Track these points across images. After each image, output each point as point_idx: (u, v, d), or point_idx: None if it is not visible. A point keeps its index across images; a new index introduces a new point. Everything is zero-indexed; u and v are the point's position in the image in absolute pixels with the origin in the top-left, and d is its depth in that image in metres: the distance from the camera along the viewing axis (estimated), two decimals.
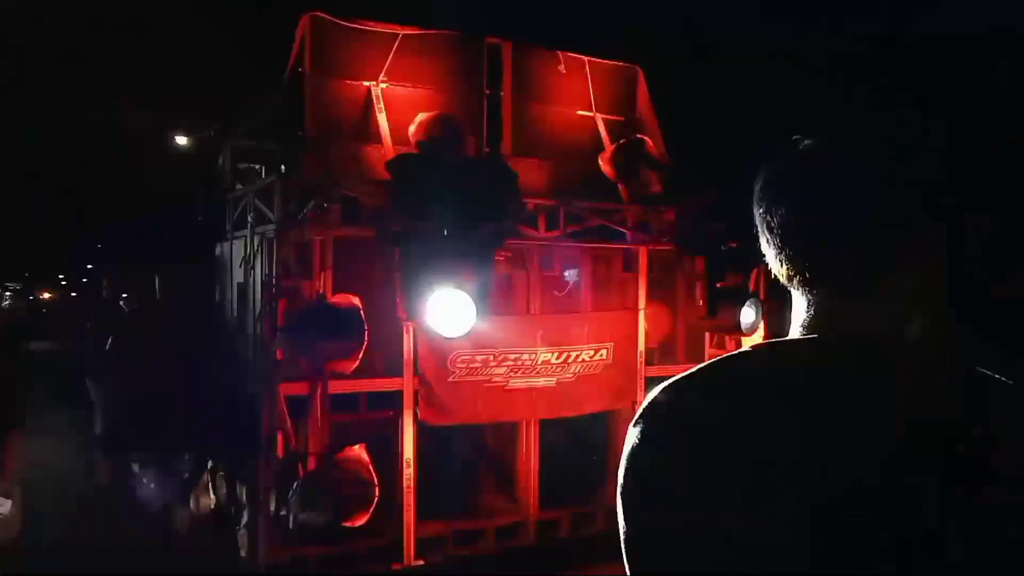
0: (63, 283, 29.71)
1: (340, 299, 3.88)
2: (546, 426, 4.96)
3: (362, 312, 3.83)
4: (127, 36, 13.25)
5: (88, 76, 13.88)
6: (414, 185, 3.75)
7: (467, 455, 5.15)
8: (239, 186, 4.82)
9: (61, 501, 6.31)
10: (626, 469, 0.83)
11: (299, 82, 4.64)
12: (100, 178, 17.38)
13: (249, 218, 4.36)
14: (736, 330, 4.68)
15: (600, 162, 5.26)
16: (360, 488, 3.77)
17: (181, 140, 15.22)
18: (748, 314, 4.65)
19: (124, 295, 7.28)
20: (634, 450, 0.83)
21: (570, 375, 4.90)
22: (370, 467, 3.91)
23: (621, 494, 0.83)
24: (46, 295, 28.55)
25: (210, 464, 5.13)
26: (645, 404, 0.86)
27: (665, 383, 0.86)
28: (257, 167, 5.00)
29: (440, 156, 3.98)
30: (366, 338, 3.81)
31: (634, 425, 0.85)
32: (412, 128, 4.54)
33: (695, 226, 4.69)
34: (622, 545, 0.82)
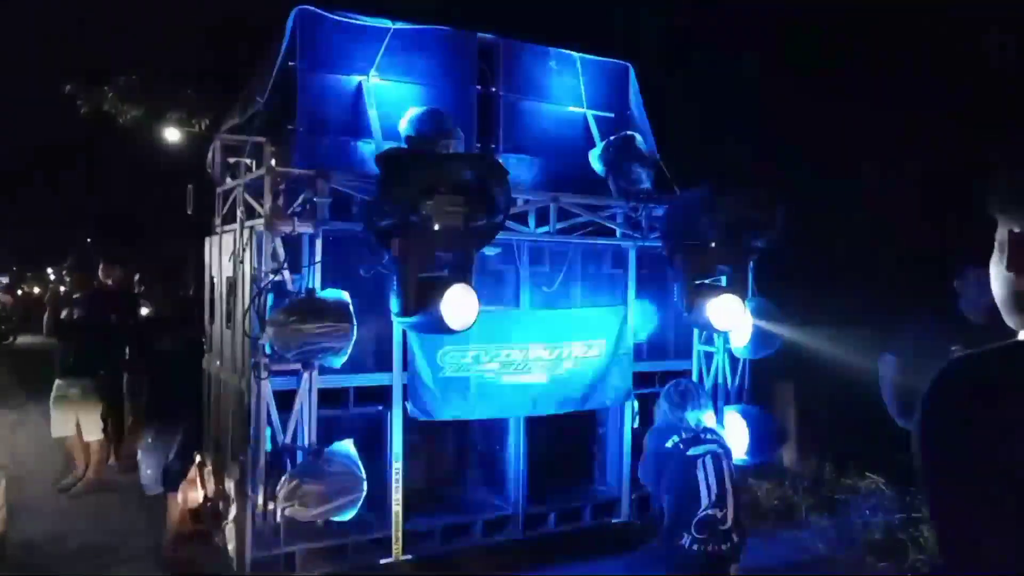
0: (52, 277, 29.52)
1: (329, 293, 3.87)
2: (534, 421, 4.97)
3: (350, 306, 3.83)
4: (118, 29, 13.17)
5: (75, 67, 13.79)
6: (403, 180, 3.74)
7: (455, 450, 5.16)
8: (229, 180, 4.80)
9: (46, 495, 6.30)
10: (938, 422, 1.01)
11: (290, 76, 4.63)
12: (90, 173, 17.30)
13: (238, 212, 4.35)
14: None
15: (590, 158, 5.27)
16: (348, 483, 3.77)
17: (172, 134, 15.14)
18: (722, 309, 4.66)
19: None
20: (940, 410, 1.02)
21: (561, 371, 4.91)
22: (358, 462, 3.91)
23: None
24: (37, 289, 28.37)
25: (198, 458, 5.13)
26: (944, 376, 1.03)
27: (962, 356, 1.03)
28: (248, 161, 4.98)
29: (430, 151, 3.98)
30: (354, 332, 3.81)
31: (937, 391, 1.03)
32: (402, 123, 4.54)
33: (683, 222, 4.71)
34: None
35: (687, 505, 3.40)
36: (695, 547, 3.38)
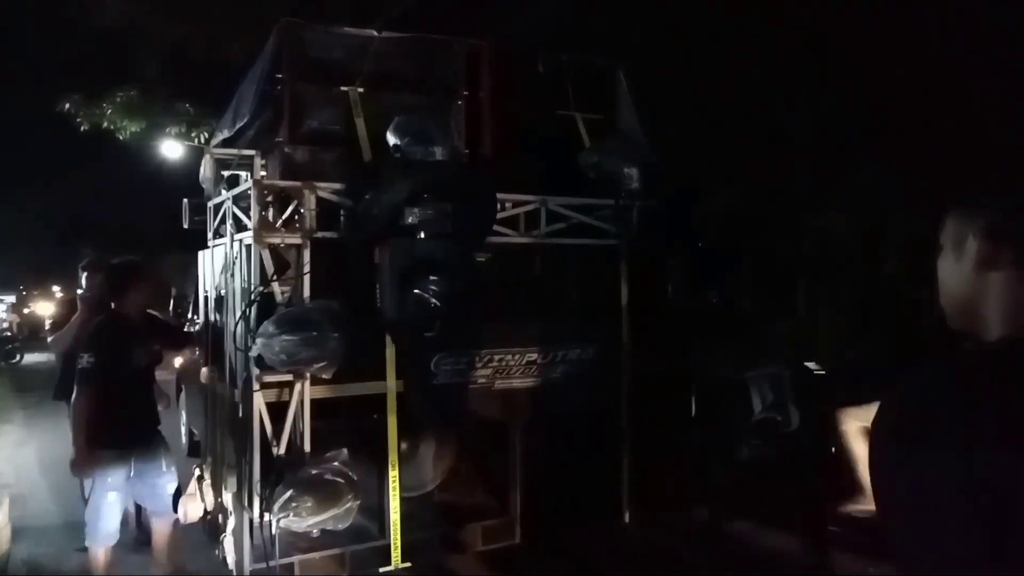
0: (59, 294, 29.65)
1: (317, 304, 3.89)
2: (531, 426, 4.96)
3: (338, 316, 3.83)
4: (117, 44, 13.27)
5: (79, 84, 13.91)
6: (388, 188, 3.75)
7: (453, 457, 5.15)
8: (222, 191, 4.82)
9: (49, 513, 6.32)
10: None
11: (276, 88, 4.64)
12: (89, 187, 17.40)
13: (228, 225, 4.36)
14: None
15: (579, 160, 5.27)
16: (341, 492, 3.77)
17: (171, 148, 15.25)
18: None
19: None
20: None
21: (556, 375, 4.90)
22: (351, 471, 3.91)
23: None
24: (44, 307, 28.47)
25: (197, 472, 5.14)
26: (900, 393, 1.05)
27: None
28: (243, 175, 5.00)
29: (414, 159, 3.99)
30: (343, 342, 3.81)
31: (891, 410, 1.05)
32: (389, 132, 4.54)
33: (670, 222, 4.71)
34: None
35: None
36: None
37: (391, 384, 4.41)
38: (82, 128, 14.23)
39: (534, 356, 4.82)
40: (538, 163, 5.32)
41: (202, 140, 14.31)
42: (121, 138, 14.65)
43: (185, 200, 5.53)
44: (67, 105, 13.98)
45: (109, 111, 14.00)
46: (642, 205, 5.02)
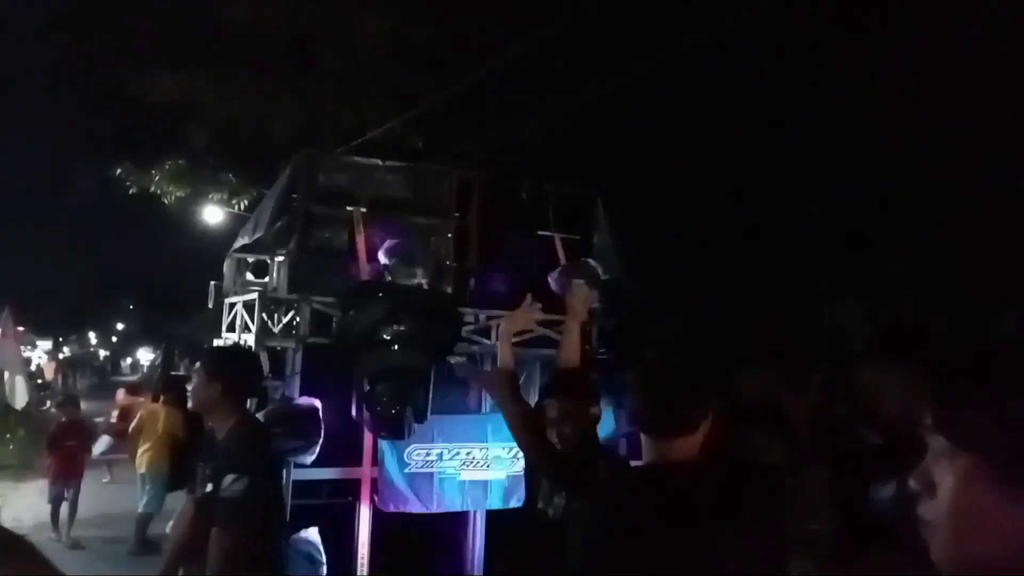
0: (94, 342, 30.84)
1: (303, 401, 4.57)
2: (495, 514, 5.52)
3: (319, 412, 4.51)
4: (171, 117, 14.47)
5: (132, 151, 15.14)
6: (370, 306, 4.48)
7: (420, 539, 5.71)
8: (235, 294, 5.56)
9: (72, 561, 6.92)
10: None
11: (290, 207, 5.43)
12: (131, 244, 18.48)
13: (237, 324, 5.11)
14: None
15: (548, 280, 5.95)
16: (308, 568, 4.36)
17: (212, 214, 16.24)
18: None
19: None
20: None
21: (518, 468, 5.49)
22: (320, 547, 4.51)
23: None
24: (75, 352, 29.47)
25: None
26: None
27: None
28: (261, 280, 5.73)
29: (394, 284, 4.71)
30: (321, 435, 4.47)
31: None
32: (381, 252, 5.29)
33: (620, 341, 5.34)
34: None
35: None
36: None
37: (366, 469, 5.04)
38: (131, 191, 15.39)
39: (500, 450, 5.45)
40: (516, 279, 6.01)
41: (241, 207, 15.38)
42: (166, 202, 15.76)
43: (212, 283, 6.32)
44: (119, 170, 15.19)
45: (157, 177, 15.16)
46: (599, 324, 5.68)
